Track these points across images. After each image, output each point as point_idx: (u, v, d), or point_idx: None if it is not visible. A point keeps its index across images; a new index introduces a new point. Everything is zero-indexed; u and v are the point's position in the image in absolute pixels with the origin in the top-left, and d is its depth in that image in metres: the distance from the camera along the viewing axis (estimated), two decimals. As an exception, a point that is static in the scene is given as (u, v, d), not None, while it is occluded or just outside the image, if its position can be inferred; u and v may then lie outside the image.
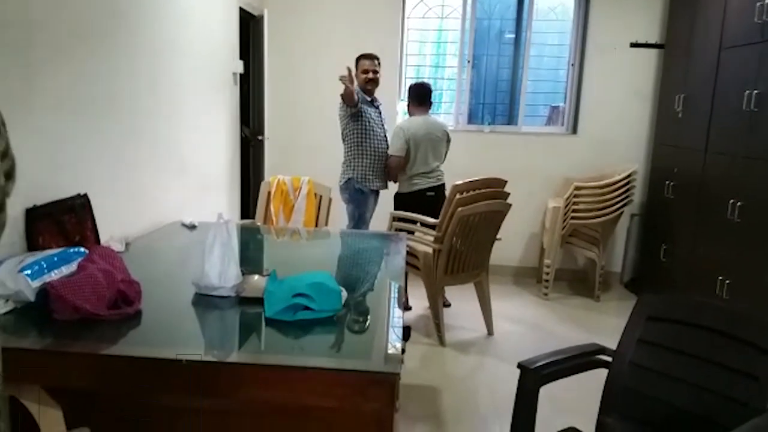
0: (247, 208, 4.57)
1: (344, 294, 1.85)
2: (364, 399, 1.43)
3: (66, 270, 1.81)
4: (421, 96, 4.01)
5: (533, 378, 1.73)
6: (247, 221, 3.37)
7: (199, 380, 1.43)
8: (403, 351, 1.59)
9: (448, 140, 4.07)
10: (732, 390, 1.57)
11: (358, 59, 3.95)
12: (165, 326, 1.71)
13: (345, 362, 1.49)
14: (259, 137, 4.70)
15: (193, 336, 1.67)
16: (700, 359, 1.67)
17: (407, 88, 4.15)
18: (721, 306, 2.85)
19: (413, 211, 3.73)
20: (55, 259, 1.82)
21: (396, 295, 2.04)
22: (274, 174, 3.76)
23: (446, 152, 4.09)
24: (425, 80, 4.43)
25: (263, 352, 1.60)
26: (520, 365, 1.73)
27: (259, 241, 3.06)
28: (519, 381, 1.74)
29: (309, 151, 4.93)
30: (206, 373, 1.44)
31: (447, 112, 5.17)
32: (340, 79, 3.56)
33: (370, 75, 3.90)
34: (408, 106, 4.10)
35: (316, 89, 4.92)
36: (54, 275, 1.75)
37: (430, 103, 4.05)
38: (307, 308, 1.72)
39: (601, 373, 1.89)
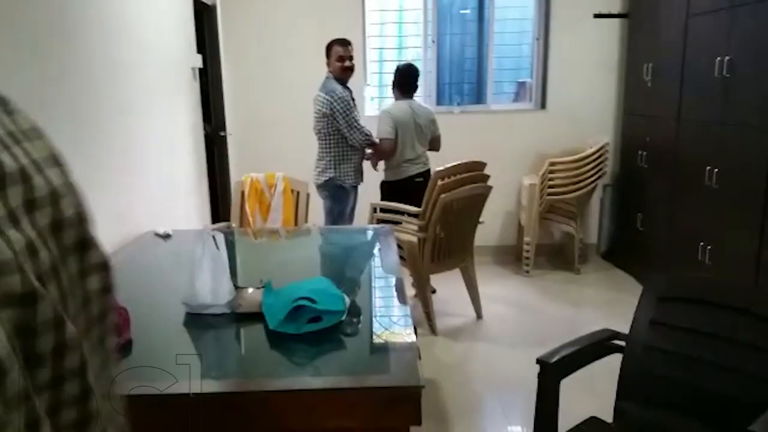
0: (217, 210, 4.38)
1: (347, 299, 1.75)
2: (390, 415, 1.34)
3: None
4: (409, 80, 3.83)
5: (553, 372, 1.67)
6: (222, 224, 3.19)
7: (205, 415, 1.32)
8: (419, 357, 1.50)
9: (435, 124, 3.93)
10: (761, 369, 1.54)
11: (330, 45, 3.64)
12: (159, 355, 1.57)
13: (364, 379, 1.39)
14: (221, 133, 4.49)
15: (191, 363, 1.53)
16: (720, 338, 1.63)
17: (394, 69, 3.90)
18: (734, 284, 2.87)
19: (401, 199, 3.58)
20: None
21: (398, 292, 1.96)
22: (240, 172, 3.58)
23: (438, 137, 3.95)
24: (411, 62, 4.06)
25: (273, 376, 1.46)
26: (539, 360, 1.67)
27: (239, 245, 2.91)
28: (539, 377, 1.68)
29: (274, 145, 4.74)
30: (213, 406, 1.33)
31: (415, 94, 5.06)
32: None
33: (347, 63, 3.61)
34: (393, 89, 3.88)
35: (277, 79, 4.73)
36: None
37: (416, 87, 3.88)
38: (312, 320, 1.62)
39: (613, 358, 1.85)
